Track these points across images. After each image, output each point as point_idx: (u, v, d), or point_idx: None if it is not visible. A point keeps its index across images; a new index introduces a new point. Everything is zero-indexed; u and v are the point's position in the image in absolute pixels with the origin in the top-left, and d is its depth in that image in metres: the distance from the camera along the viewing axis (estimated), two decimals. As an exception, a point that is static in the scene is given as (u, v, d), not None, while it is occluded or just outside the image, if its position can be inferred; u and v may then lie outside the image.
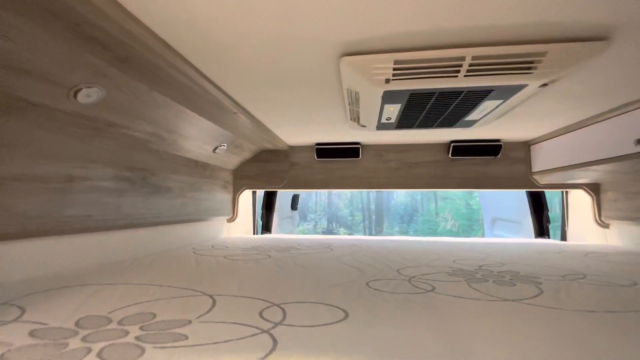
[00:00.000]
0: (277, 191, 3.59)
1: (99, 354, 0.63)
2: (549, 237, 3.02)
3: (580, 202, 2.76)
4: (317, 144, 2.82)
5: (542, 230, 3.11)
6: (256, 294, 1.05)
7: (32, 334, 0.73)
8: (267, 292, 1.07)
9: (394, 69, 1.14)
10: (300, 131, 2.36)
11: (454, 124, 1.79)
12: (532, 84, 1.20)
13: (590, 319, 0.84)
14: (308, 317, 0.85)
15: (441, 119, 1.69)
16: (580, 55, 1.04)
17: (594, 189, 2.57)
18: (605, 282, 1.23)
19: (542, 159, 2.56)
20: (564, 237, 2.88)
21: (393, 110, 1.54)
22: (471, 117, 1.65)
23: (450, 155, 2.71)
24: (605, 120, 1.83)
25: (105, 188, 1.51)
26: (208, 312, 0.88)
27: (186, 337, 0.71)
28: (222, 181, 2.78)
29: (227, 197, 2.88)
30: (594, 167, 2.00)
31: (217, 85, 1.45)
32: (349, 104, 1.57)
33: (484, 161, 2.74)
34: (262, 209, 3.57)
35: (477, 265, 1.55)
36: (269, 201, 3.60)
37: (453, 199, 10.57)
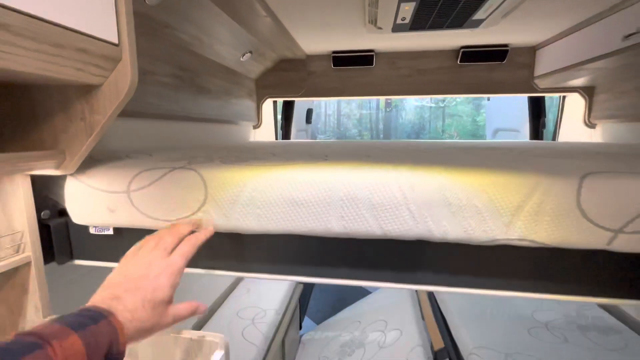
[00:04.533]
0: (294, 102, 3.87)
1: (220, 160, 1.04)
2: (542, 140, 3.36)
3: (574, 107, 3.01)
4: (334, 52, 3.00)
5: (537, 134, 3.43)
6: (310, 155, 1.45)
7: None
8: (317, 155, 1.47)
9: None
10: (318, 35, 2.54)
11: (462, 24, 1.98)
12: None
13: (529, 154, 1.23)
14: (345, 158, 1.25)
15: (450, 19, 1.89)
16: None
17: (589, 92, 2.80)
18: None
19: (544, 63, 2.74)
20: (554, 139, 3.21)
21: (408, 9, 1.74)
22: (478, 15, 1.84)
23: (458, 62, 2.90)
24: (601, 20, 2.00)
25: (166, 83, 1.83)
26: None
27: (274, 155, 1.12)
28: (247, 89, 3.06)
29: (252, 104, 3.19)
30: (587, 66, 2.23)
31: (254, -13, 1.65)
32: (369, 5, 1.77)
33: (491, 67, 2.92)
34: (281, 120, 3.90)
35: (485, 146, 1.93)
36: (288, 112, 3.91)
37: (460, 115, 10.70)
